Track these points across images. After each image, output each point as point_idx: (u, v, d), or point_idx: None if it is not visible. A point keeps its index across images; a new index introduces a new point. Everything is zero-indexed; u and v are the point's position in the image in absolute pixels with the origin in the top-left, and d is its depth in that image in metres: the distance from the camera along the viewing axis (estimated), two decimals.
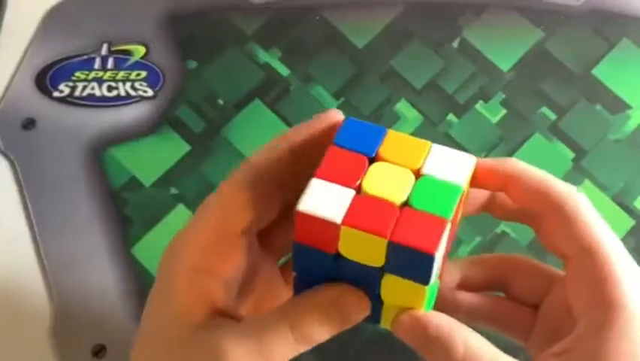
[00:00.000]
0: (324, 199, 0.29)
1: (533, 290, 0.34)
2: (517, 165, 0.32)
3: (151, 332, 0.31)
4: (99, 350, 0.52)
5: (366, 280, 0.30)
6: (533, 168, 0.32)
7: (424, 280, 0.29)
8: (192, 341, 0.30)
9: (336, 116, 0.33)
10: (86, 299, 0.54)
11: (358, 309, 0.30)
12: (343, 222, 0.28)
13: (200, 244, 0.31)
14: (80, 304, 0.54)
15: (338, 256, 0.30)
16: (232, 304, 0.32)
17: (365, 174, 0.30)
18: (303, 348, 0.30)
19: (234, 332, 0.29)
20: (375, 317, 0.32)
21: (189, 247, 0.31)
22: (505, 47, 0.61)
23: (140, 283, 0.54)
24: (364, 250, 0.29)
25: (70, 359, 0.52)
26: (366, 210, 0.29)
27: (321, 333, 0.30)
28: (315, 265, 0.30)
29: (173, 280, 0.31)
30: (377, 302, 0.31)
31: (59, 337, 0.52)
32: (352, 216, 0.28)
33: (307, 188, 0.29)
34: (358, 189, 0.30)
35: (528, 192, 0.31)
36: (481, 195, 0.34)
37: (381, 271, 0.30)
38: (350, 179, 0.30)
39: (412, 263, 0.29)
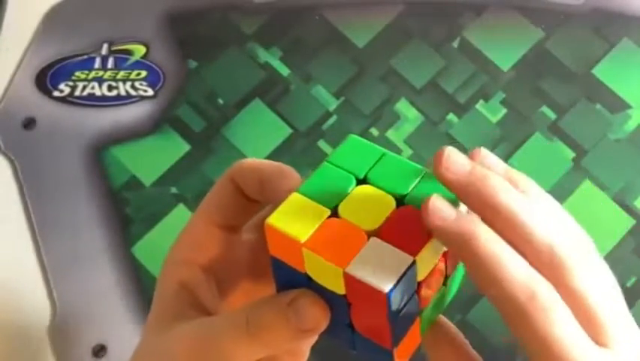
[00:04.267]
0: (295, 216, 0.28)
1: None
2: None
3: (148, 325, 0.32)
4: (99, 350, 0.52)
5: (338, 303, 0.29)
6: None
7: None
8: (164, 332, 0.31)
9: None
10: (86, 299, 0.54)
11: (314, 312, 0.29)
12: (305, 244, 0.27)
13: (187, 238, 0.33)
14: (80, 304, 0.54)
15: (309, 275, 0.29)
16: (211, 298, 0.32)
17: (347, 195, 0.28)
18: (257, 349, 0.29)
19: (195, 324, 0.30)
20: (351, 342, 0.30)
21: (179, 242, 0.33)
22: (505, 47, 0.61)
23: (140, 283, 0.54)
24: (326, 275, 0.27)
25: (71, 359, 0.52)
26: (332, 235, 0.27)
27: (277, 335, 0.29)
28: (291, 279, 0.29)
29: (163, 273, 0.33)
30: (351, 328, 0.30)
31: (59, 337, 0.52)
32: (316, 239, 0.27)
33: (284, 201, 0.28)
34: (335, 211, 0.28)
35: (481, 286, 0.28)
36: None
37: (346, 299, 0.28)
38: (329, 199, 0.28)
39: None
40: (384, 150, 0.30)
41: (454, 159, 0.28)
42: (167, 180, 0.57)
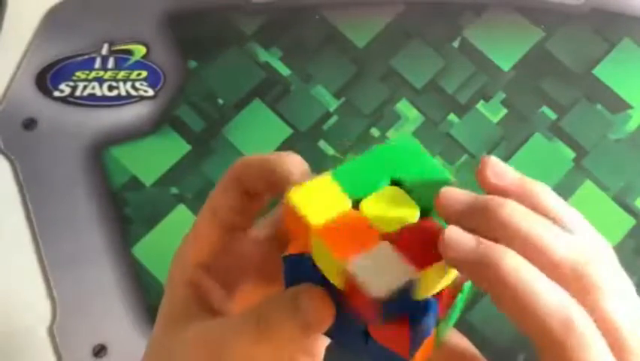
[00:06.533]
0: (317, 198, 0.27)
1: None
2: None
3: (157, 325, 0.32)
4: (99, 350, 0.52)
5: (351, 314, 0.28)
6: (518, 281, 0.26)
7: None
8: (175, 332, 0.31)
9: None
10: (86, 299, 0.54)
11: (316, 305, 0.28)
12: (316, 230, 0.27)
13: (192, 240, 0.33)
14: (80, 304, 0.54)
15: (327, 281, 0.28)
16: (220, 299, 0.32)
17: (375, 192, 0.28)
18: (268, 349, 0.29)
19: (206, 325, 0.30)
20: (364, 352, 0.30)
21: (185, 245, 0.33)
22: (505, 47, 0.61)
23: (140, 282, 0.54)
24: (328, 266, 0.27)
25: (71, 359, 0.52)
26: (346, 228, 0.27)
27: (285, 332, 0.28)
28: (303, 280, 0.29)
29: (171, 276, 0.33)
30: (366, 337, 0.29)
31: (59, 337, 0.52)
32: (329, 228, 0.27)
33: (313, 179, 0.28)
34: (356, 205, 0.27)
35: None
36: None
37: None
38: (357, 190, 0.28)
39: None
40: (430, 158, 0.29)
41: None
42: (167, 180, 0.57)
